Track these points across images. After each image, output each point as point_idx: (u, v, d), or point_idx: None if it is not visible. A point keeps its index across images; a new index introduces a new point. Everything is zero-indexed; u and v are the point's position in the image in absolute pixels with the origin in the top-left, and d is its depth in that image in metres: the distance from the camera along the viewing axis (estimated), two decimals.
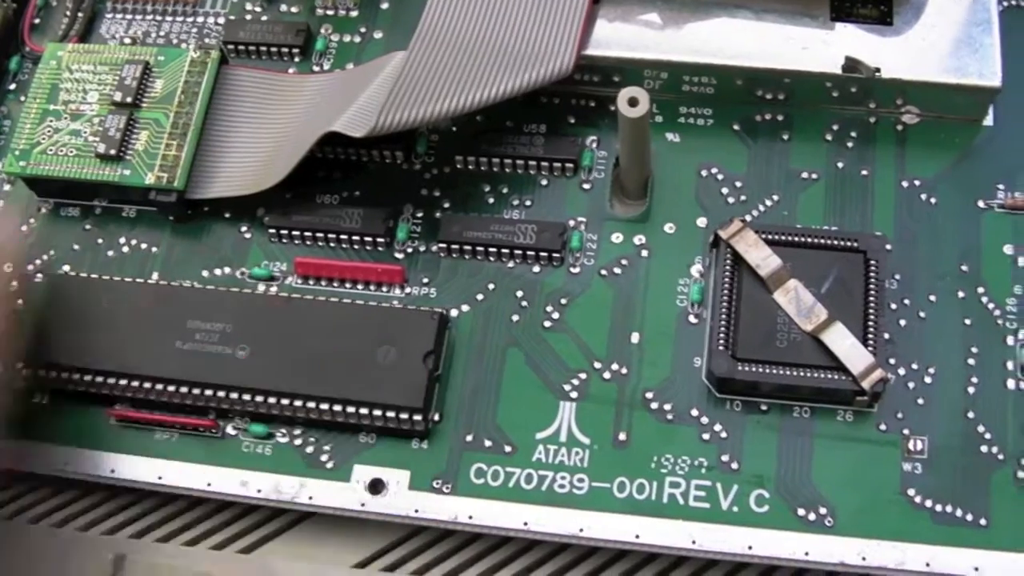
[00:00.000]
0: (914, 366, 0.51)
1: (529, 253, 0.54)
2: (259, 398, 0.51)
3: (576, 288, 0.54)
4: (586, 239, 0.55)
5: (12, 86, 0.64)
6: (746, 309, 0.51)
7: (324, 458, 0.52)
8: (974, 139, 0.55)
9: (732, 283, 0.51)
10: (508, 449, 0.51)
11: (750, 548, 0.48)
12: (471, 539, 0.52)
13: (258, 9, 0.64)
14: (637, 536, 0.49)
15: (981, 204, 0.54)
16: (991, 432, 0.50)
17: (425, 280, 0.55)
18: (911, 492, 0.49)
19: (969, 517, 0.48)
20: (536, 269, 0.54)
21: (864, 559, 0.48)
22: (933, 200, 0.54)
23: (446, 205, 0.57)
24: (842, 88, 0.55)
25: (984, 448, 0.49)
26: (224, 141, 0.58)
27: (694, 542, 0.49)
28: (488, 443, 0.51)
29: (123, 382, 0.52)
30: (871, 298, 0.50)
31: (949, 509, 0.48)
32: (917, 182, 0.54)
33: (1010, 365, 0.51)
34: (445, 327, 0.53)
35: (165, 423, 0.53)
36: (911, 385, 0.51)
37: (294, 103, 0.58)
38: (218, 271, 0.57)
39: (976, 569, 0.47)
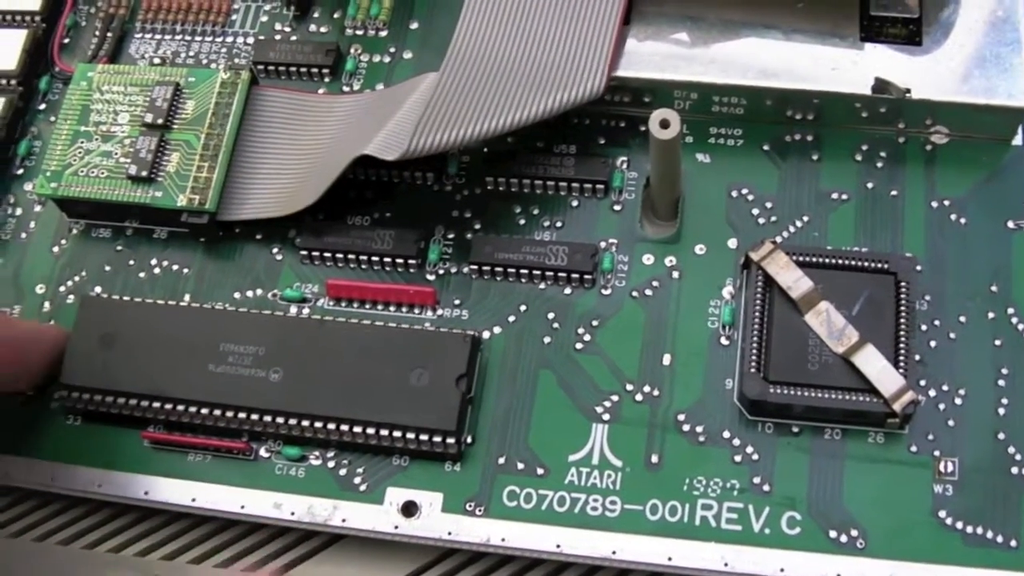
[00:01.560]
0: (944, 387, 0.51)
1: (560, 274, 0.54)
2: (292, 421, 0.51)
3: (608, 310, 0.54)
4: (617, 260, 0.55)
5: (42, 106, 0.65)
6: (777, 331, 0.51)
7: (357, 480, 0.52)
8: (1003, 159, 0.55)
9: (763, 305, 0.51)
10: (540, 471, 0.51)
11: (782, 570, 0.48)
12: (503, 561, 0.52)
13: (287, 29, 0.64)
14: (669, 559, 0.49)
15: (1011, 224, 0.54)
16: (1022, 453, 0.49)
17: (457, 302, 0.55)
18: (942, 514, 0.49)
19: (1000, 539, 0.48)
20: (567, 291, 0.55)
21: None
22: (963, 220, 0.54)
23: (477, 226, 0.57)
24: (872, 108, 0.55)
25: (1015, 469, 0.49)
26: (255, 162, 0.58)
27: (726, 564, 0.49)
28: (520, 465, 0.51)
29: (156, 405, 0.53)
30: (902, 319, 0.50)
31: (980, 531, 0.48)
32: (947, 202, 0.54)
33: None
34: (477, 349, 0.53)
35: (198, 445, 0.53)
36: (942, 407, 0.51)
37: (325, 124, 0.59)
38: (250, 293, 0.57)
39: None
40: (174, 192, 0.57)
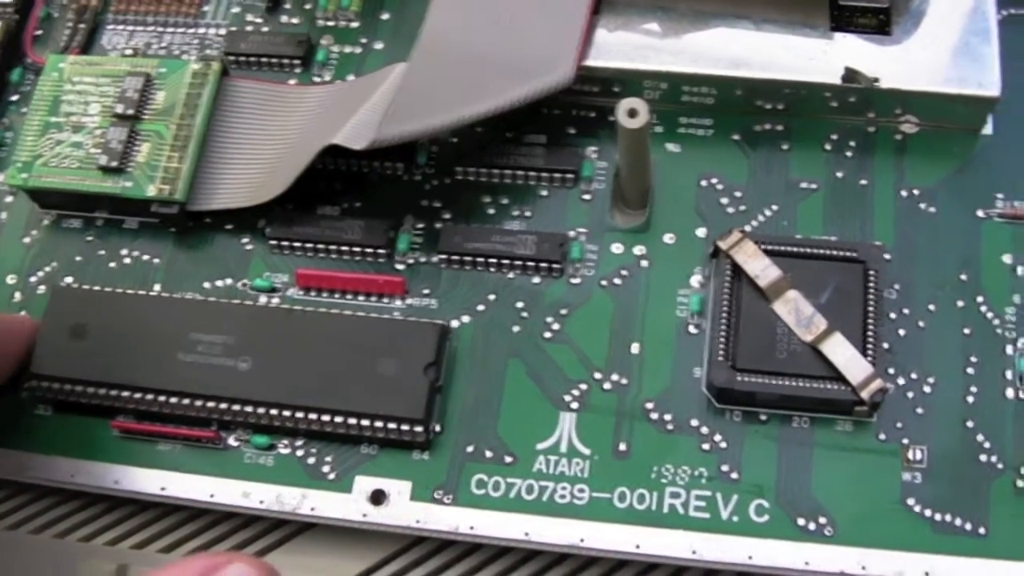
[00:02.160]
0: (913, 376, 0.51)
1: (529, 264, 0.54)
2: (261, 410, 0.51)
3: (576, 299, 0.54)
4: (586, 250, 0.55)
5: (14, 97, 0.64)
6: (746, 320, 0.51)
7: (326, 469, 0.52)
8: (973, 148, 0.56)
9: (732, 294, 0.51)
10: (509, 460, 0.51)
11: (750, 558, 0.48)
12: (472, 549, 0.52)
13: (259, 20, 0.64)
14: (637, 546, 0.49)
15: (980, 213, 0.54)
16: (990, 441, 0.50)
17: (426, 291, 0.55)
18: (911, 501, 0.49)
19: (968, 526, 0.48)
20: (536, 280, 0.55)
21: (864, 568, 0.48)
22: (932, 209, 0.54)
23: (447, 216, 0.57)
24: (841, 98, 0.55)
25: (983, 457, 0.49)
26: (226, 153, 0.58)
27: (694, 552, 0.49)
28: (489, 454, 0.51)
29: (126, 394, 0.53)
30: (870, 308, 0.51)
31: (949, 518, 0.48)
32: (916, 191, 0.55)
33: (1009, 374, 0.51)
34: (446, 338, 0.53)
35: (168, 435, 0.53)
36: (910, 395, 0.51)
37: (295, 115, 0.59)
38: (220, 283, 0.57)
39: None
40: (144, 182, 0.57)
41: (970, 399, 0.50)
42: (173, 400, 0.52)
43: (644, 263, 0.54)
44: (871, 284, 0.51)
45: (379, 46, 0.62)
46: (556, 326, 0.54)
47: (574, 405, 0.52)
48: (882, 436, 0.50)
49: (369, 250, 0.56)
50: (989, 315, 0.52)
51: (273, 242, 0.57)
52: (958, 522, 0.48)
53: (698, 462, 0.50)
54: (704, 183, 0.56)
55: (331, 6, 0.63)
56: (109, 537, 0.55)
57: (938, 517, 0.49)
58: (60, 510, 0.56)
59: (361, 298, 0.55)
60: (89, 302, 0.55)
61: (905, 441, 0.50)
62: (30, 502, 0.56)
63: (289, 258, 0.57)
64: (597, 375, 0.52)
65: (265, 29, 0.64)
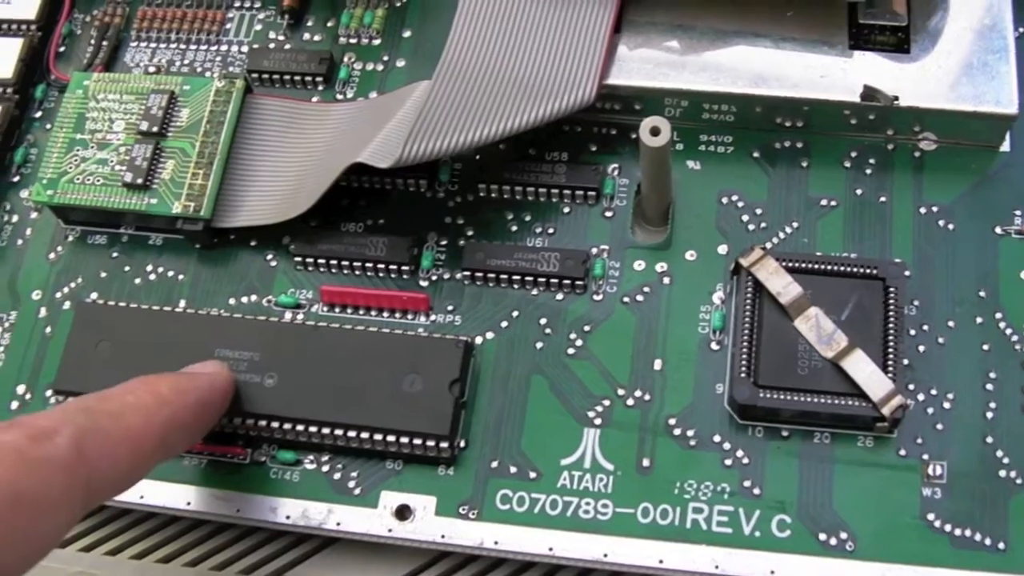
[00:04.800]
0: (933, 392, 0.51)
1: (552, 281, 0.55)
2: (287, 425, 0.52)
3: (599, 315, 0.54)
4: (608, 267, 0.55)
5: (38, 114, 0.65)
6: (767, 336, 0.51)
7: (351, 484, 0.52)
8: (991, 165, 0.56)
9: (753, 310, 0.52)
10: (533, 475, 0.52)
11: (772, 573, 0.49)
12: (496, 564, 0.53)
13: (281, 38, 0.64)
14: (661, 561, 0.49)
15: (998, 230, 0.54)
16: (1009, 457, 0.50)
17: (450, 308, 0.56)
18: (931, 516, 0.49)
19: (988, 541, 0.49)
20: (559, 296, 0.55)
21: None
22: (951, 226, 0.55)
23: (470, 233, 0.57)
24: (860, 116, 0.56)
25: (1003, 473, 0.50)
26: (250, 170, 0.58)
27: (717, 567, 0.49)
28: (513, 469, 0.52)
29: None
30: (890, 324, 0.51)
31: (968, 533, 0.49)
32: (935, 208, 0.55)
33: None
34: (470, 354, 0.53)
35: (194, 450, 0.54)
36: (930, 411, 0.51)
37: (319, 132, 0.59)
38: (244, 299, 0.57)
39: None
40: (169, 199, 0.57)
41: (989, 415, 0.51)
42: None
43: (666, 280, 0.55)
44: (891, 301, 0.51)
45: (401, 63, 0.62)
46: (579, 342, 0.54)
47: (597, 421, 0.52)
48: (902, 452, 0.50)
49: (393, 267, 0.56)
50: (1008, 331, 0.52)
51: (297, 259, 0.57)
52: (978, 537, 0.49)
53: (720, 478, 0.51)
54: (724, 200, 0.56)
55: (353, 23, 0.63)
56: (135, 551, 0.55)
57: (958, 532, 0.49)
58: (85, 524, 0.56)
59: (385, 314, 0.56)
60: (114, 318, 0.55)
61: (925, 457, 0.50)
62: None
63: (313, 275, 0.57)
64: (620, 391, 0.53)
65: (288, 46, 0.64)
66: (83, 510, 0.42)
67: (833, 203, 0.56)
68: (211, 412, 0.50)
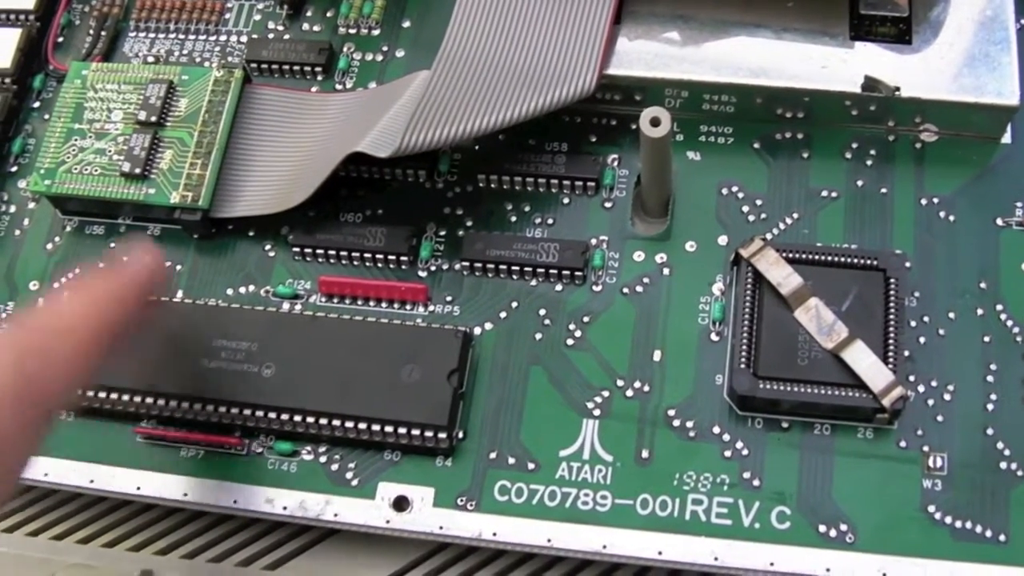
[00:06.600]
0: (933, 383, 0.51)
1: (551, 271, 0.55)
2: (284, 416, 0.52)
3: (598, 306, 0.54)
4: (608, 257, 0.55)
5: (36, 104, 0.65)
6: (767, 327, 0.51)
7: (349, 475, 0.52)
8: (992, 157, 0.56)
9: (753, 301, 0.52)
10: (531, 466, 0.51)
11: (772, 564, 0.49)
12: (495, 555, 0.53)
13: (280, 28, 0.64)
14: (660, 553, 0.49)
15: (999, 222, 0.54)
16: (1010, 448, 0.50)
17: (448, 298, 0.55)
18: (931, 508, 0.49)
19: (988, 533, 0.48)
20: (558, 287, 0.55)
21: (884, 575, 0.48)
22: (952, 218, 0.54)
23: (469, 223, 0.57)
24: (861, 107, 0.55)
25: (1003, 464, 0.50)
26: (248, 160, 0.58)
27: (716, 559, 0.49)
28: (512, 460, 0.52)
29: (149, 400, 0.53)
30: (891, 316, 0.51)
31: (969, 525, 0.49)
32: (936, 200, 0.55)
33: None
34: (469, 345, 0.53)
35: (191, 440, 0.54)
36: (930, 402, 0.51)
37: (318, 122, 0.59)
38: (243, 289, 0.57)
39: None
40: (167, 189, 0.57)
41: (990, 407, 0.51)
42: (196, 406, 0.53)
43: (666, 271, 0.55)
44: (892, 292, 0.51)
45: (400, 54, 0.62)
46: (578, 333, 0.54)
47: (596, 412, 0.52)
48: (903, 443, 0.50)
49: (392, 257, 0.56)
50: (1008, 323, 0.52)
51: (296, 249, 0.57)
52: (978, 529, 0.49)
53: (720, 469, 0.51)
54: (725, 191, 0.56)
55: (352, 14, 0.63)
56: (132, 543, 0.55)
57: (958, 524, 0.49)
58: (83, 515, 0.56)
59: (384, 305, 0.56)
60: None
61: (925, 448, 0.50)
62: (53, 508, 0.56)
63: (312, 265, 0.57)
64: (619, 382, 0.53)
65: (287, 37, 0.64)
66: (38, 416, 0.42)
67: (834, 194, 0.55)
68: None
